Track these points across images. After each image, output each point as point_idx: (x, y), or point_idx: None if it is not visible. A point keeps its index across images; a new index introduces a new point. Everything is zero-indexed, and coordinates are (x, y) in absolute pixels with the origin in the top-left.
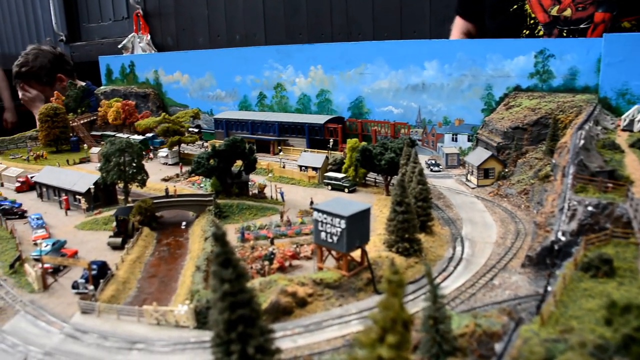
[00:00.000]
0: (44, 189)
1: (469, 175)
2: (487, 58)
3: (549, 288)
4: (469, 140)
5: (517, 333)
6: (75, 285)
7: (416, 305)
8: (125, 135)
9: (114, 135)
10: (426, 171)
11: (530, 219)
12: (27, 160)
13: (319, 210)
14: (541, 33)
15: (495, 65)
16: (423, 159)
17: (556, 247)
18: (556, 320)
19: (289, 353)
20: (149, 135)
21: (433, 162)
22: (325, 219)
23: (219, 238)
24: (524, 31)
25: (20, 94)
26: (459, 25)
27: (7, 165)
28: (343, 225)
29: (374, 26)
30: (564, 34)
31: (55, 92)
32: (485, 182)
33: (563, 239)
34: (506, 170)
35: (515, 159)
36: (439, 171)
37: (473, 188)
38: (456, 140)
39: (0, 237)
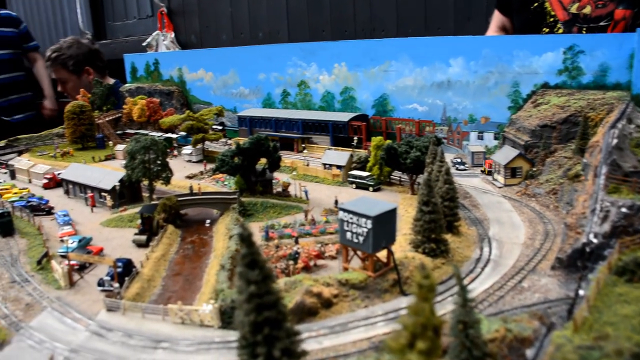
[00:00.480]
0: (71, 186)
1: (495, 174)
2: (514, 55)
3: (581, 292)
4: (495, 138)
5: (549, 339)
6: (101, 283)
7: (444, 307)
8: (159, 134)
9: (146, 134)
10: (452, 170)
11: (559, 219)
12: (54, 157)
13: (344, 210)
14: (560, 31)
15: (523, 62)
16: (448, 157)
17: (588, 249)
18: (590, 326)
19: (314, 355)
20: (183, 134)
21: (459, 160)
22: (351, 218)
23: (245, 239)
24: (544, 29)
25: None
26: (496, 18)
27: (34, 162)
28: (369, 226)
29: (397, 23)
30: (583, 32)
31: (82, 89)
32: (513, 181)
33: (595, 241)
34: (534, 169)
35: (544, 157)
36: (465, 170)
37: (500, 187)
38: (482, 139)
39: (28, 233)
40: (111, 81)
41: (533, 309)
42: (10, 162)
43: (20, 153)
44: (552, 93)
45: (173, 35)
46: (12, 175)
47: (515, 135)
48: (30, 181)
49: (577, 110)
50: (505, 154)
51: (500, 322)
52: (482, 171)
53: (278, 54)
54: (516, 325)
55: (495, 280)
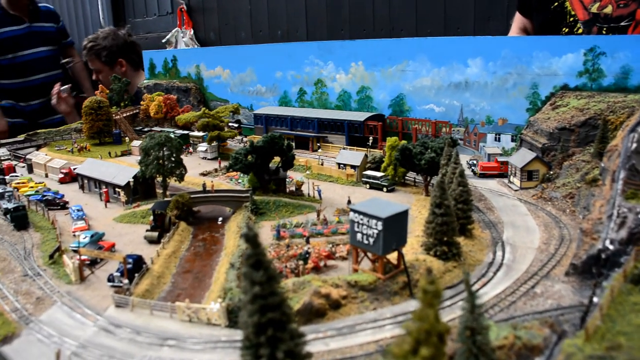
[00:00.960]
0: (86, 181)
1: (511, 177)
2: (533, 56)
3: (595, 299)
4: (512, 140)
5: (559, 347)
6: (111, 278)
7: (453, 311)
8: (182, 132)
9: (173, 132)
10: (467, 172)
11: (575, 224)
12: (71, 152)
13: (355, 211)
14: (580, 31)
15: (542, 63)
16: (464, 158)
17: (603, 255)
18: (602, 335)
19: (321, 357)
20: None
21: (475, 162)
22: (361, 219)
23: (251, 239)
24: (564, 29)
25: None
26: (517, 20)
27: (51, 157)
28: (380, 227)
29: (416, 23)
30: (604, 32)
31: (100, 85)
32: (529, 184)
33: (611, 247)
34: (551, 172)
35: (561, 161)
36: None
37: (516, 190)
38: (499, 140)
39: (43, 227)
40: (144, 77)
41: (545, 316)
42: (28, 156)
43: (38, 147)
44: (571, 95)
45: (192, 32)
46: (30, 169)
47: (533, 137)
48: (46, 175)
49: (597, 113)
50: (522, 157)
51: (510, 329)
52: (472, 172)
53: (295, 52)
54: (526, 332)
55: (507, 285)
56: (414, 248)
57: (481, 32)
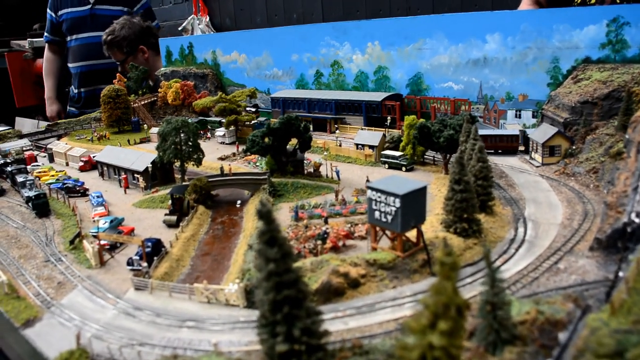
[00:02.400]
0: (105, 168)
1: (533, 153)
2: (553, 29)
3: (620, 274)
4: (533, 116)
5: (583, 322)
6: (130, 262)
7: (475, 288)
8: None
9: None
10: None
11: (599, 199)
12: (91, 140)
13: (372, 189)
14: (593, 1)
15: (563, 36)
16: None
17: (629, 229)
18: (628, 309)
19: (340, 335)
20: (261, 118)
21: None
22: (379, 197)
23: (264, 215)
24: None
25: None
26: None
27: (71, 146)
28: (397, 204)
29: (433, 2)
30: (617, 1)
31: (118, 74)
32: (551, 160)
33: (637, 220)
34: (574, 147)
35: (584, 135)
36: None
37: (537, 166)
38: (520, 117)
39: (63, 214)
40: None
41: (568, 291)
42: (49, 146)
43: (59, 137)
44: (594, 68)
45: (208, 19)
46: (51, 159)
47: (554, 112)
48: (67, 164)
49: (621, 85)
50: (544, 132)
51: (532, 304)
52: None
53: (311, 34)
54: (549, 307)
55: (530, 261)
56: (434, 226)
57: (499, 8)
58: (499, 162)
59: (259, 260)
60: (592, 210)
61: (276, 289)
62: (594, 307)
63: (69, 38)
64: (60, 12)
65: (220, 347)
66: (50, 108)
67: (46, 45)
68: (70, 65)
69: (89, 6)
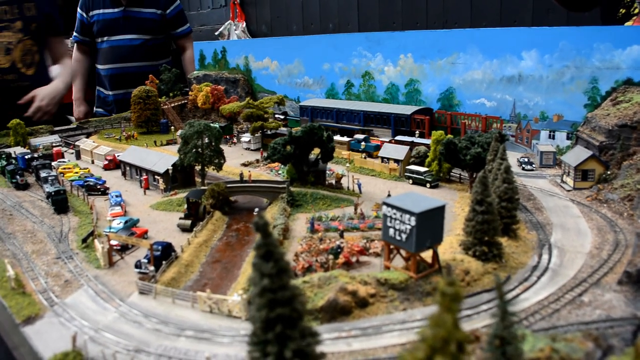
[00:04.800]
0: (128, 168)
1: (564, 176)
2: (594, 47)
3: None
4: (568, 138)
5: None
6: (138, 265)
7: (489, 317)
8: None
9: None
10: (518, 169)
11: (633, 229)
12: (118, 139)
13: (388, 205)
14: (637, 11)
15: (603, 56)
16: (515, 156)
17: None
18: None
19: (341, 357)
20: (359, 137)
21: (526, 160)
22: (394, 214)
23: (261, 228)
24: (620, 10)
25: None
26: None
27: (98, 144)
28: (413, 223)
29: (471, 15)
30: None
31: (150, 75)
32: (583, 184)
33: None
34: (608, 172)
35: (620, 160)
36: (532, 170)
37: (568, 190)
38: (553, 138)
39: (81, 212)
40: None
41: (591, 328)
42: (76, 143)
43: (89, 135)
44: (635, 90)
45: (244, 25)
46: (78, 156)
47: (590, 135)
48: (92, 162)
49: None
50: (577, 155)
51: (547, 340)
52: (523, 169)
53: (343, 44)
54: (565, 345)
55: (552, 291)
56: (452, 247)
57: (539, 25)
58: (528, 183)
59: (254, 275)
60: (623, 241)
61: (269, 306)
62: (618, 347)
63: (99, 40)
64: (91, 13)
65: None
66: (78, 109)
67: (74, 45)
68: (100, 67)
69: (122, 8)
